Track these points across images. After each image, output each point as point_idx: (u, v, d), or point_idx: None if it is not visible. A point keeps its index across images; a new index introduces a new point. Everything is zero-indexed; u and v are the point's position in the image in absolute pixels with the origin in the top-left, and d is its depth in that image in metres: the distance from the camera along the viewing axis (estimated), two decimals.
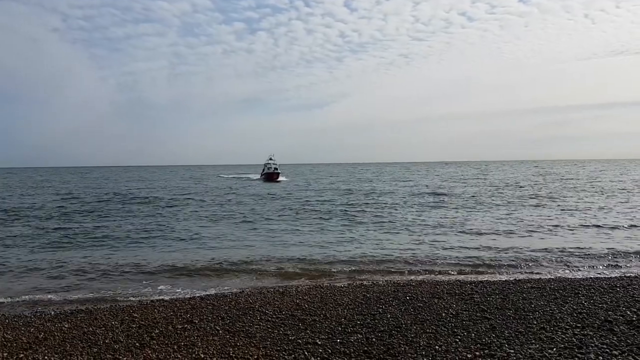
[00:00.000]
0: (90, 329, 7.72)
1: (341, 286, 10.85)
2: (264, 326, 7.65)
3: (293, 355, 6.33)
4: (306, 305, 8.94)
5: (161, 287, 11.44)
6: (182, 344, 6.84)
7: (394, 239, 18.31)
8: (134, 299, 10.29)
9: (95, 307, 9.37)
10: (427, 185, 54.35)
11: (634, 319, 7.52)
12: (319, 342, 6.79)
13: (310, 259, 14.67)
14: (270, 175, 74.76)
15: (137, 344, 6.89)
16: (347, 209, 29.59)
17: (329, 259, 14.67)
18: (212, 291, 10.83)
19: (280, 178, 75.81)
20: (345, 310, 8.54)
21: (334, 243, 17.53)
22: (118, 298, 10.45)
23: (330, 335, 7.11)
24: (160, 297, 10.30)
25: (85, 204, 35.35)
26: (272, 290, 10.65)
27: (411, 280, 11.65)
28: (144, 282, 12.07)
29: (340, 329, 7.44)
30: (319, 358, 6.22)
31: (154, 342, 6.95)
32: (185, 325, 7.75)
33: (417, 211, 28.07)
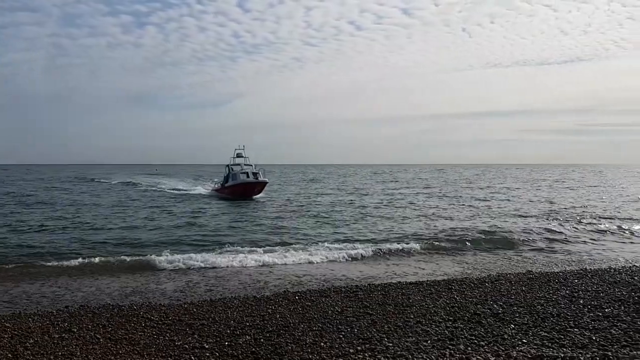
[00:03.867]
0: None
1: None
2: (149, 332, 7.46)
3: None
4: (194, 310, 8.84)
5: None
6: (60, 354, 6.49)
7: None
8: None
9: None
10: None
11: (499, 311, 8.29)
12: (207, 346, 6.77)
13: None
14: (245, 188, 38.37)
15: (9, 355, 6.43)
16: None
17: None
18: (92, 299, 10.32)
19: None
20: (235, 313, 8.56)
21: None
22: None
23: (218, 339, 7.10)
24: (37, 305, 9.62)
25: None
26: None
27: (299, 282, 11.95)
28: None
29: (228, 331, 7.46)
30: None
31: (28, 352, 6.52)
32: (63, 335, 7.34)
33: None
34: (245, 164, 41.69)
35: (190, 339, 7.14)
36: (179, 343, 6.93)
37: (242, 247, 16.42)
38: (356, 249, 16.13)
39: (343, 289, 10.29)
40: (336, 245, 16.79)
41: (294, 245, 16.85)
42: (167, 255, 14.73)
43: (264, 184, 40.13)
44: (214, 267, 13.63)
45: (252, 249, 16.08)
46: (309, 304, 9.10)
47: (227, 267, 13.67)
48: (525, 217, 25.66)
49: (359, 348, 6.50)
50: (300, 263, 14.33)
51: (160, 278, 12.37)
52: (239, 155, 42.75)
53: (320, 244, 17.14)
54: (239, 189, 38.69)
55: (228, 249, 16.11)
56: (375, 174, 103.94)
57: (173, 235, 19.62)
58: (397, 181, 69.86)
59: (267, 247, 16.42)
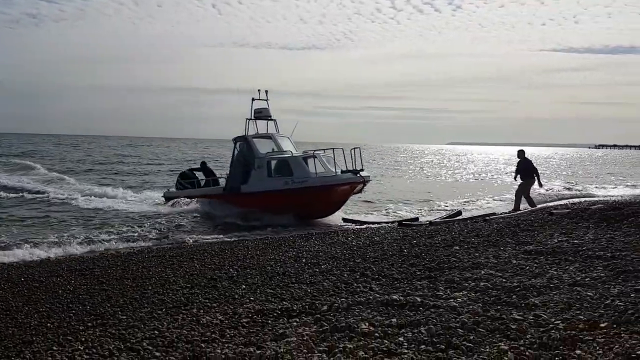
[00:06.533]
0: None
1: None
2: None
3: None
4: None
5: None
6: None
7: None
8: None
9: None
10: None
11: (234, 275, 8.93)
12: None
13: None
14: (328, 197, 16.74)
15: None
16: None
17: None
18: None
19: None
20: None
21: None
22: None
23: None
24: None
25: None
26: None
27: (32, 261, 11.03)
28: None
29: None
30: None
31: None
32: None
33: None
34: (279, 136, 19.20)
35: None
36: None
37: None
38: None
39: (77, 267, 9.83)
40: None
41: None
42: None
43: (365, 183, 17.79)
44: None
45: None
46: (37, 285, 8.49)
47: None
48: None
49: (89, 324, 6.39)
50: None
51: None
52: (259, 116, 19.46)
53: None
54: (312, 196, 16.67)
55: None
56: (132, 146, 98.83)
57: None
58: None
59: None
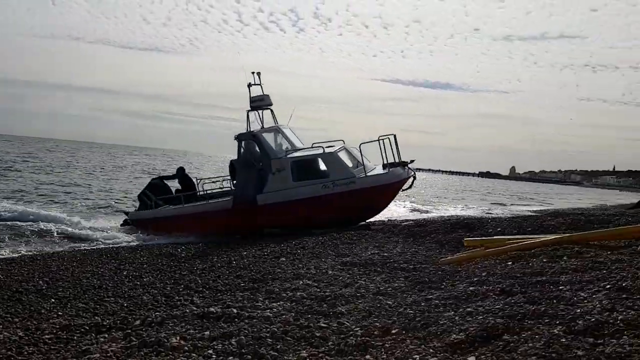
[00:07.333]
0: None
1: None
2: None
3: None
4: None
5: None
6: None
7: None
8: None
9: None
10: None
11: (44, 288, 8.29)
12: None
13: None
14: (375, 198, 14.34)
15: None
16: None
17: None
18: None
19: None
20: None
21: None
22: None
23: None
24: None
25: None
26: None
27: None
28: None
29: None
30: None
31: None
32: None
33: None
34: (284, 129, 16.00)
35: None
36: None
37: None
38: None
39: None
40: None
41: None
42: None
43: (415, 177, 15.56)
44: None
45: None
46: None
47: None
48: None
49: None
50: None
51: None
52: (260, 105, 15.68)
53: None
54: (362, 199, 13.84)
55: None
56: None
57: None
58: None
59: None
